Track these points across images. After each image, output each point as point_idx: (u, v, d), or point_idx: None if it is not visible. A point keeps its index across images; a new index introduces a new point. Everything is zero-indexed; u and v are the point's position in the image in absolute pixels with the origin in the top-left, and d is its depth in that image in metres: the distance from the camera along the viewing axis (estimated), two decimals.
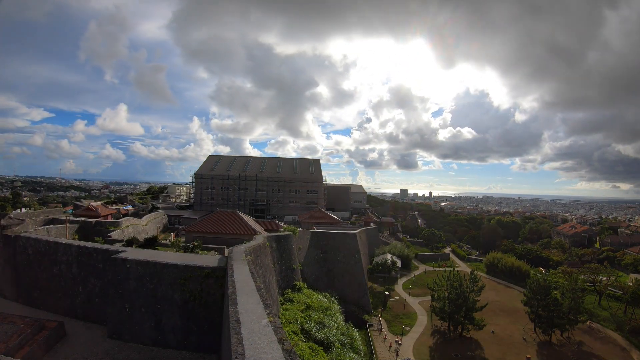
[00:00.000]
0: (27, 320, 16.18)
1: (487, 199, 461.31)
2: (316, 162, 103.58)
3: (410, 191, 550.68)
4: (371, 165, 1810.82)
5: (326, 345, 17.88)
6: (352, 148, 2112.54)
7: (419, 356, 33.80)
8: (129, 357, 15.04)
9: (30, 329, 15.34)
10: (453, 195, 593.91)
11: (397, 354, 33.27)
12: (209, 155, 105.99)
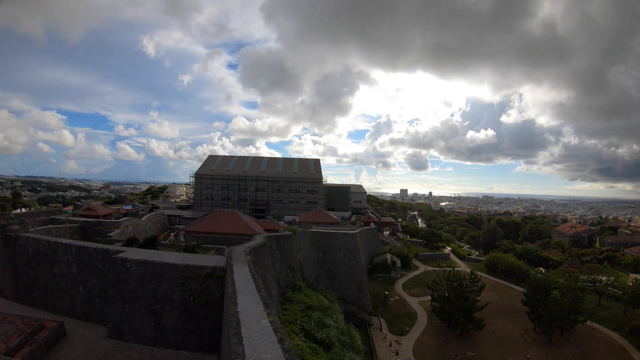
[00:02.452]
0: (27, 320, 16.17)
1: (487, 199, 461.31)
2: (316, 162, 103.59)
3: (411, 191, 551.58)
4: (384, 166, 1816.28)
5: (326, 345, 17.87)
6: (369, 150, 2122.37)
7: (419, 356, 33.79)
8: (129, 357, 15.04)
9: (30, 329, 15.34)
10: (453, 195, 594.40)
11: (397, 354, 33.29)
12: (209, 155, 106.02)
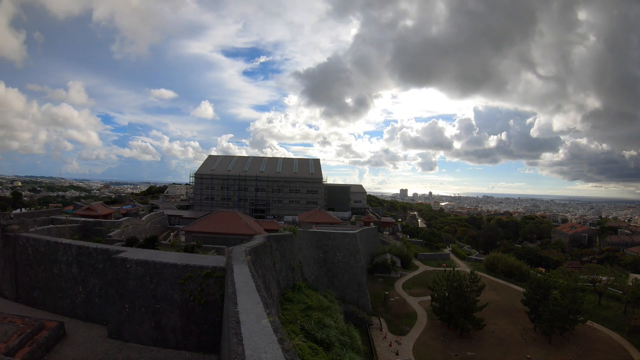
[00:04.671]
0: (27, 320, 16.17)
1: (487, 199, 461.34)
2: (316, 161, 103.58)
3: (411, 191, 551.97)
4: (394, 167, 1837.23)
5: (326, 345, 17.85)
6: (383, 151, 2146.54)
7: (419, 356, 33.80)
8: (129, 357, 15.04)
9: (30, 329, 15.34)
10: (453, 195, 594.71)
11: (397, 354, 33.29)
12: (209, 155, 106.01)
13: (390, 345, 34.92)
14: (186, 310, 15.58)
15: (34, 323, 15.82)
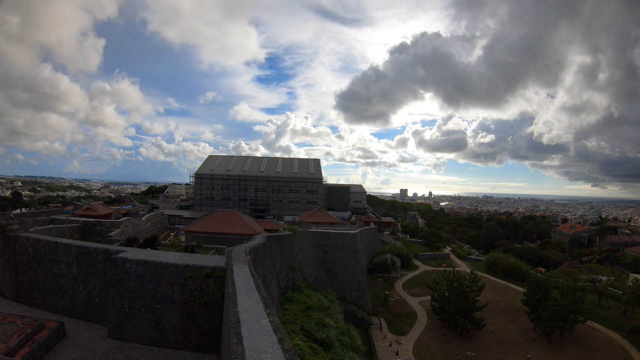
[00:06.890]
0: (27, 320, 16.17)
1: (487, 199, 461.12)
2: (316, 161, 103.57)
3: (411, 191, 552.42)
4: (405, 169, 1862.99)
5: (326, 345, 17.84)
6: (395, 153, 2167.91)
7: (419, 356, 33.79)
8: (129, 357, 15.03)
9: (30, 328, 15.33)
10: (453, 195, 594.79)
11: (397, 354, 33.29)
12: (209, 155, 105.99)
13: (390, 345, 34.92)
14: (186, 310, 15.57)
15: (34, 323, 15.81)
